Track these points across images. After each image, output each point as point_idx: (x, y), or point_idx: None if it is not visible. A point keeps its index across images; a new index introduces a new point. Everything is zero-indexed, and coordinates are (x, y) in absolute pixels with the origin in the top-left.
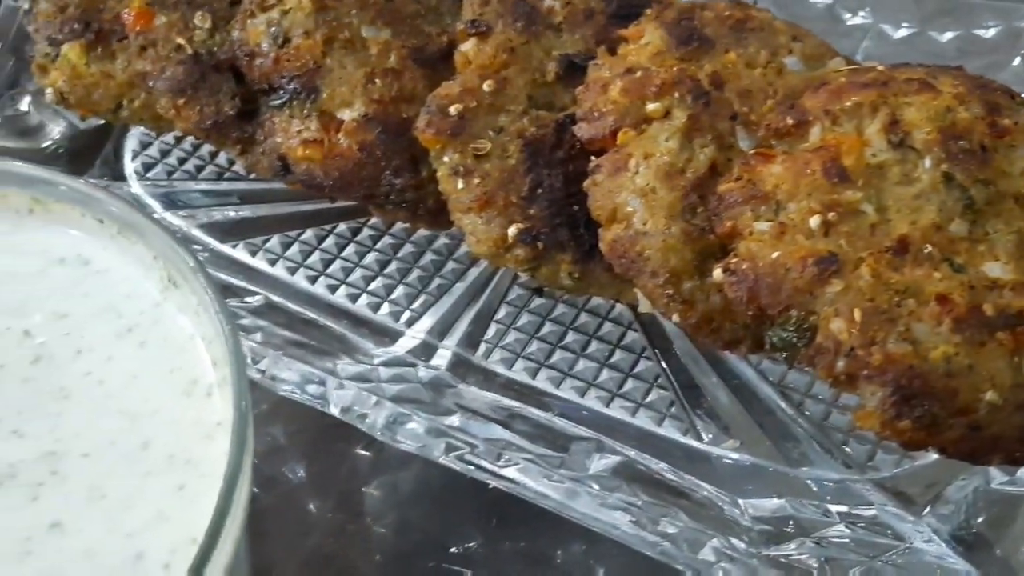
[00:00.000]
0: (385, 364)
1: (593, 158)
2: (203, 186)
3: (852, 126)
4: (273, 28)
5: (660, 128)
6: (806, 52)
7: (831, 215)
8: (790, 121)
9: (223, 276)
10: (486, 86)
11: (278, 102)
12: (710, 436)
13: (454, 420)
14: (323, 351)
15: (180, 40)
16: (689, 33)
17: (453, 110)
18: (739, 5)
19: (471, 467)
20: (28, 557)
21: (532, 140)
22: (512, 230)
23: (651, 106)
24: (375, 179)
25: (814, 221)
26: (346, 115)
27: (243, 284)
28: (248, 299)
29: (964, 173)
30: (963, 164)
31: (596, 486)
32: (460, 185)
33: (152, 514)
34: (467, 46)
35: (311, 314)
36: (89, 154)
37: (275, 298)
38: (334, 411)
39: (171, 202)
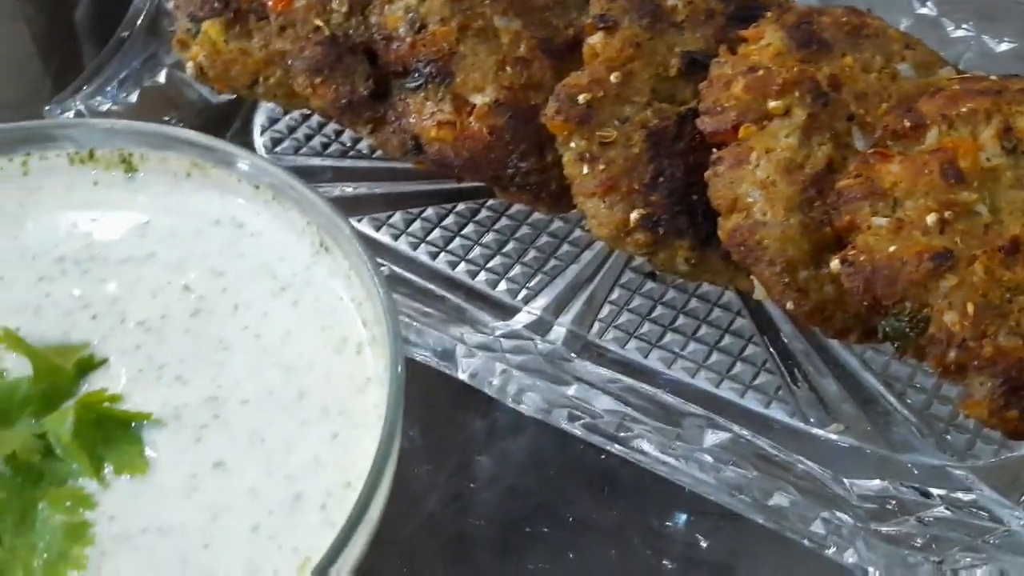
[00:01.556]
0: (505, 336)
1: (714, 150)
2: (328, 162)
3: (967, 131)
4: (410, 14)
5: (781, 125)
6: (918, 60)
7: (947, 213)
8: (908, 124)
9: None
10: (613, 78)
11: (413, 85)
12: (815, 419)
13: (572, 391)
14: (448, 321)
15: (318, 22)
16: (808, 36)
17: (581, 99)
18: (855, 12)
19: (595, 435)
20: (194, 493)
21: (655, 131)
22: (634, 215)
23: (772, 103)
24: (502, 162)
25: (931, 218)
26: (478, 100)
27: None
28: None
29: None
30: None
31: (710, 458)
32: (585, 170)
33: (309, 459)
34: (595, 39)
35: (433, 286)
36: (220, 127)
37: (399, 270)
38: (463, 376)
39: (298, 176)
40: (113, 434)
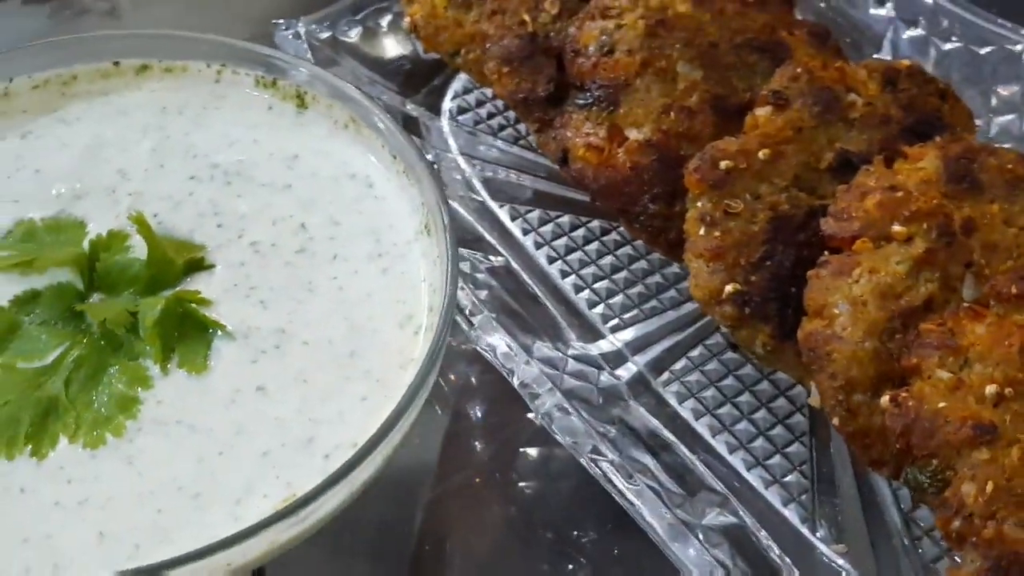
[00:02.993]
0: (576, 358)
1: (826, 252)
2: (498, 143)
3: None
4: (604, 37)
5: (896, 250)
6: None
7: (1008, 390)
8: (1014, 290)
9: (481, 228)
10: (761, 154)
11: (581, 101)
12: (823, 533)
13: (611, 431)
14: (530, 327)
15: (526, 17)
16: (964, 172)
17: (723, 165)
18: None
19: (602, 476)
20: (232, 406)
21: (781, 216)
22: (729, 288)
23: (897, 227)
24: (634, 198)
25: (990, 389)
26: (633, 134)
27: (494, 242)
28: (492, 257)
29: None
30: None
31: (702, 536)
32: (702, 231)
33: (335, 412)
34: (762, 111)
35: (537, 290)
36: (420, 80)
37: (514, 265)
38: (514, 382)
39: (467, 146)
40: (190, 332)
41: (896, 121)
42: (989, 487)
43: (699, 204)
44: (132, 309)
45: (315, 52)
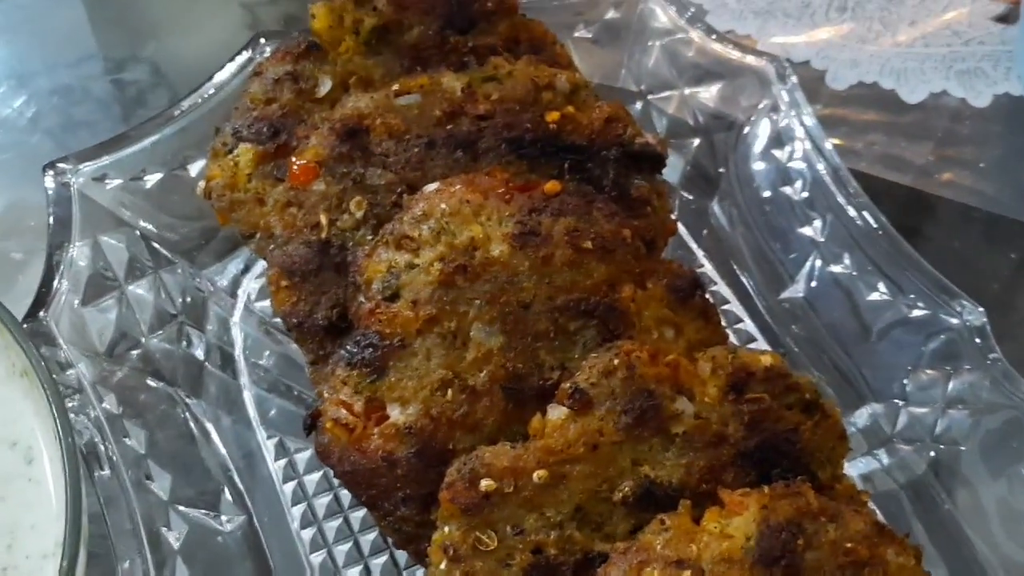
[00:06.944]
0: None
1: None
2: (291, 349)
3: None
4: (390, 276)
5: None
6: None
7: None
8: None
9: (232, 465)
10: (537, 475)
11: (346, 354)
12: None
13: None
14: None
15: (323, 218)
16: (781, 553)
17: (484, 485)
18: (882, 537)
19: None
20: None
21: (543, 565)
22: None
23: None
24: (384, 493)
25: None
26: (395, 413)
27: (242, 488)
28: (226, 518)
29: None
30: None
31: None
32: (443, 566)
33: None
34: (555, 414)
35: (272, 563)
36: (227, 246)
37: (256, 523)
38: None
39: (255, 348)
40: None
41: (732, 443)
42: None
43: (446, 529)
44: None
45: (86, 206)
